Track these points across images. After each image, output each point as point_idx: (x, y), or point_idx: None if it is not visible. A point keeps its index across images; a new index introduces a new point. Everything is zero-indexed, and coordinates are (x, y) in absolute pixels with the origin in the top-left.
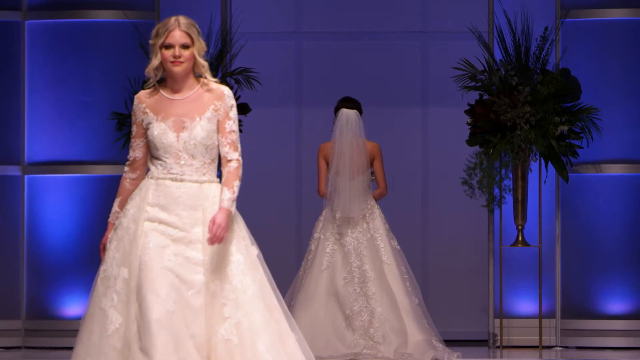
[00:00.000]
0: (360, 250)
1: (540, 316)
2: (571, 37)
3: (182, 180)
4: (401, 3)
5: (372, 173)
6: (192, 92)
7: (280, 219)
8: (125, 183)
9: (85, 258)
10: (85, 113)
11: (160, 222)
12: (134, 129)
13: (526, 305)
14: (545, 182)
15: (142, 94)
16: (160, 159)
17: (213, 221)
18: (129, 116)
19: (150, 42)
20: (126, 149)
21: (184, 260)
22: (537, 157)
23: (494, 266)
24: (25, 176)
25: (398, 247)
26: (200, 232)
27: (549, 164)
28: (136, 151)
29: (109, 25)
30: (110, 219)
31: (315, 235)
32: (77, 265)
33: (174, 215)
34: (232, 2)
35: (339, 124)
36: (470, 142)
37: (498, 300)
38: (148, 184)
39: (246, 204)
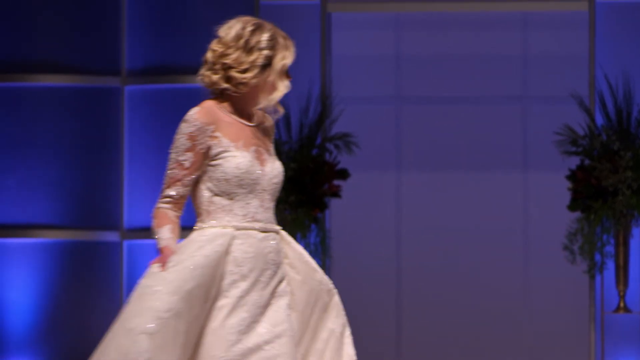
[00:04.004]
0: None
1: None
2: None
3: (268, 231)
4: (502, 68)
5: None
6: (255, 117)
7: (378, 285)
8: (169, 213)
9: None
10: None
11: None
12: (190, 156)
13: None
14: None
15: (210, 110)
16: (238, 201)
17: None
18: None
19: (266, 53)
20: None
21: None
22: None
23: (595, 333)
24: (124, 242)
25: None
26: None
27: None
28: (188, 187)
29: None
30: (164, 244)
31: None
32: None
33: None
34: (332, 66)
35: None
36: (572, 207)
37: None
38: (226, 232)
39: (345, 269)
